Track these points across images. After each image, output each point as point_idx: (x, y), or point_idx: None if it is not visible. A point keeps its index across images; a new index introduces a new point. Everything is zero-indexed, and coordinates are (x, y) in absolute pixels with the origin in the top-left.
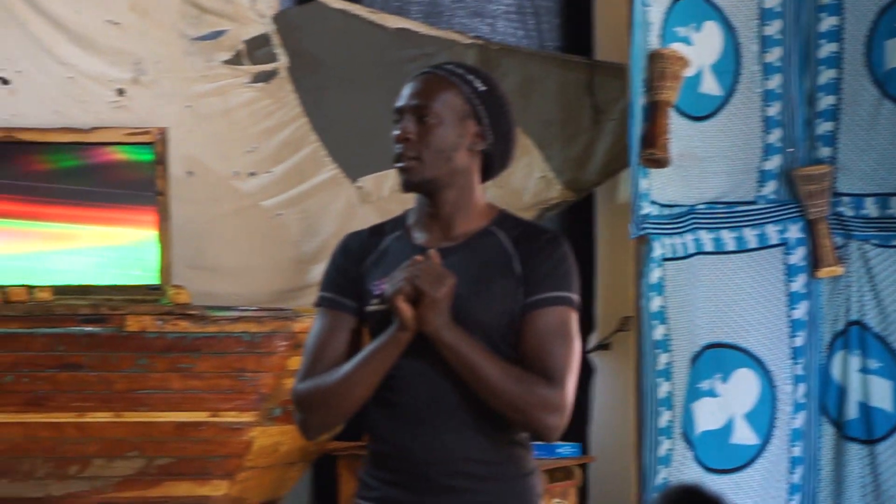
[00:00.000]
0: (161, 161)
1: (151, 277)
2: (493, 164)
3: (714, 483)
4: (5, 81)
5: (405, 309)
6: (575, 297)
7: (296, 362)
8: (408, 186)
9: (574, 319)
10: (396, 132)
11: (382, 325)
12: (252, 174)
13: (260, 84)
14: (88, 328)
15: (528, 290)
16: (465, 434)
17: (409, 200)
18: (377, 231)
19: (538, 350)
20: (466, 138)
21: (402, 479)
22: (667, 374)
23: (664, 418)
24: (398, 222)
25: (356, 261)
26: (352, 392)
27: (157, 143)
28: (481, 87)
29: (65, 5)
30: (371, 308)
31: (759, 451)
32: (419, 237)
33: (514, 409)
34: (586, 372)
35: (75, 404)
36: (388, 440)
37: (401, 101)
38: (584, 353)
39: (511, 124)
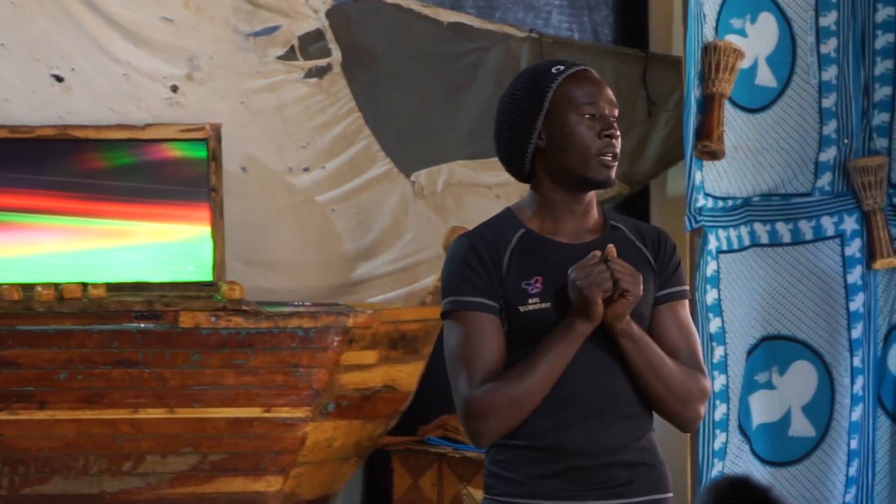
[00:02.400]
0: (215, 157)
1: (205, 274)
2: None
3: (771, 476)
4: (60, 79)
5: (601, 304)
6: (688, 289)
7: (350, 357)
8: (608, 182)
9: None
10: (611, 132)
11: (541, 324)
12: (306, 170)
13: (313, 79)
14: (142, 325)
15: (662, 282)
16: (626, 425)
17: (462, 195)
18: (494, 229)
19: (686, 342)
20: None
21: (559, 472)
22: (722, 366)
23: (719, 411)
24: (511, 220)
25: (494, 261)
26: (539, 390)
27: (211, 139)
28: None
29: (119, 3)
30: (530, 308)
31: (817, 443)
32: (555, 233)
33: (680, 400)
34: None
35: (129, 401)
36: (546, 436)
37: (597, 99)
38: None
39: None
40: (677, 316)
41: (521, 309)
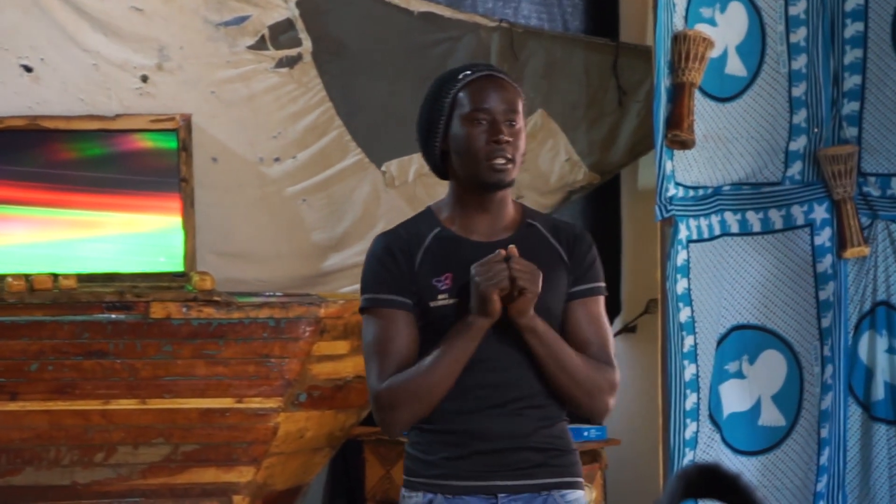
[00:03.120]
0: (185, 148)
1: (176, 264)
2: None
3: (742, 465)
4: (29, 69)
5: (497, 302)
6: (605, 286)
7: (321, 347)
8: (497, 187)
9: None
10: (504, 137)
11: (451, 319)
12: (277, 160)
13: (284, 69)
14: (113, 315)
15: (576, 279)
16: (534, 414)
17: (433, 185)
18: (411, 228)
19: (597, 336)
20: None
21: (473, 456)
22: (692, 356)
23: (690, 400)
24: (429, 219)
25: (406, 259)
26: (442, 382)
27: (182, 129)
28: (523, 97)
29: None
30: (439, 303)
31: (787, 432)
32: (468, 232)
33: (587, 392)
34: None
35: (101, 392)
36: (460, 421)
37: (489, 104)
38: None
39: None
40: (590, 311)
41: (432, 304)
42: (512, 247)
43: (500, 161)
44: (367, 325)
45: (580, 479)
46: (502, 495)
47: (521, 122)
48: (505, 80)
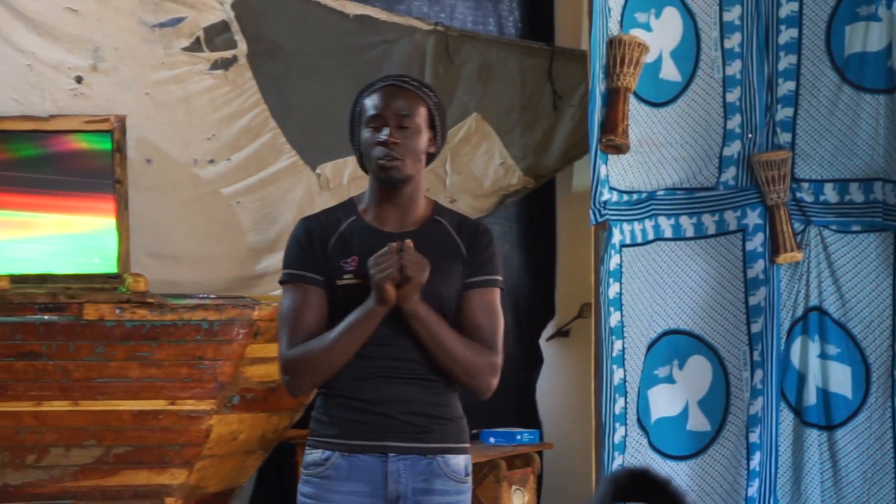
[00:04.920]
0: (119, 149)
1: (110, 266)
2: (429, 163)
3: (671, 469)
4: None
5: (391, 291)
6: (501, 280)
7: (254, 350)
8: (390, 182)
9: (499, 298)
10: (382, 137)
11: (354, 296)
12: (211, 162)
13: (219, 71)
14: (46, 317)
15: (471, 271)
16: (421, 384)
17: (363, 188)
18: (331, 216)
19: (480, 323)
20: (428, 143)
21: (367, 419)
22: (620, 360)
23: (619, 405)
24: (348, 208)
25: (321, 241)
26: (339, 356)
27: (116, 130)
28: (436, 100)
29: None
30: (345, 282)
31: (713, 437)
32: (378, 222)
33: (466, 371)
34: (535, 361)
35: (33, 393)
36: (356, 389)
37: (382, 110)
38: (543, 341)
39: (447, 131)
40: (483, 300)
41: (339, 282)
42: (408, 240)
43: (384, 160)
44: (284, 296)
45: (465, 445)
46: (392, 455)
47: (416, 124)
48: (405, 88)
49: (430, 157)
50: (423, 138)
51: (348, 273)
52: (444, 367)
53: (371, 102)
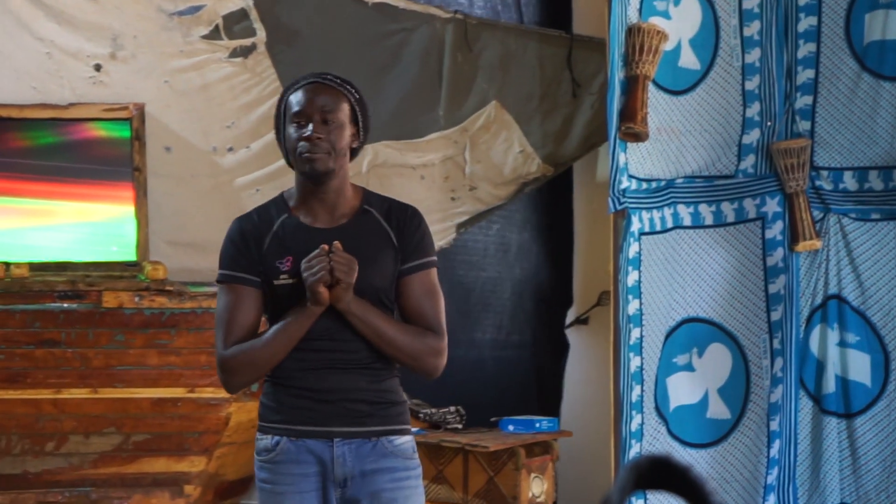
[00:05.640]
0: (138, 137)
1: (129, 254)
2: (353, 157)
3: (691, 457)
4: None
5: (323, 292)
6: (436, 258)
7: None
8: (314, 176)
9: (436, 276)
10: (305, 133)
11: (291, 295)
12: (230, 150)
13: (238, 59)
14: (65, 304)
15: (404, 257)
16: (362, 373)
17: (387, 175)
18: (264, 214)
19: (421, 307)
20: (351, 138)
21: (312, 406)
22: (638, 348)
23: (635, 393)
24: (280, 205)
25: (255, 241)
26: (275, 355)
27: (135, 118)
28: (358, 96)
29: None
30: (281, 282)
31: (734, 425)
32: (309, 219)
33: (410, 357)
34: (562, 349)
35: (52, 381)
36: (302, 378)
37: (305, 107)
38: (564, 328)
39: (369, 126)
40: (422, 284)
41: (275, 283)
42: (336, 242)
43: (308, 154)
44: (220, 296)
45: (408, 427)
46: (337, 439)
47: (339, 119)
48: (328, 85)
49: (354, 152)
50: (346, 133)
51: (284, 273)
52: (387, 354)
53: (295, 99)
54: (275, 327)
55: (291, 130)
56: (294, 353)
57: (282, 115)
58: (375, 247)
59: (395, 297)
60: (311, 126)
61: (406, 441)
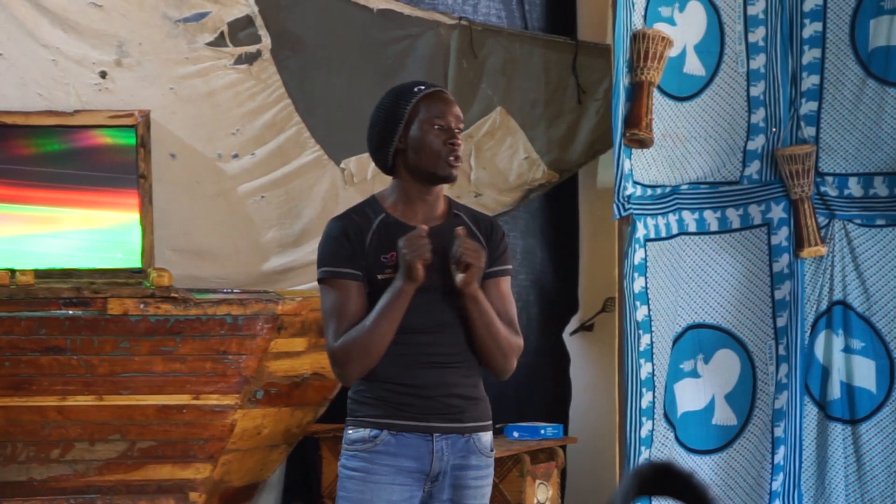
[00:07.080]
0: (144, 144)
1: (134, 261)
2: None
3: (695, 464)
4: None
5: (420, 269)
6: (512, 267)
7: (278, 345)
8: (450, 179)
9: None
10: (454, 141)
11: None
12: (235, 156)
13: (243, 66)
14: (71, 311)
15: (490, 262)
16: (457, 369)
17: (388, 184)
18: (362, 214)
19: (505, 308)
20: None
21: (412, 401)
22: (648, 354)
23: (646, 399)
24: (374, 206)
25: (358, 238)
26: (383, 336)
27: (140, 125)
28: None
29: None
30: (385, 276)
31: (739, 431)
32: (409, 219)
33: (503, 352)
34: (564, 357)
35: (57, 388)
36: (399, 374)
37: (447, 116)
38: (566, 335)
39: None
40: (501, 288)
41: (379, 277)
42: (461, 228)
43: (452, 158)
44: (325, 293)
45: (491, 423)
46: (437, 435)
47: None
48: (451, 98)
49: None
50: None
51: (388, 268)
52: (484, 347)
53: (434, 107)
54: (373, 313)
55: (432, 136)
56: (393, 346)
57: (404, 118)
58: None
59: None
60: (455, 134)
61: (489, 437)
